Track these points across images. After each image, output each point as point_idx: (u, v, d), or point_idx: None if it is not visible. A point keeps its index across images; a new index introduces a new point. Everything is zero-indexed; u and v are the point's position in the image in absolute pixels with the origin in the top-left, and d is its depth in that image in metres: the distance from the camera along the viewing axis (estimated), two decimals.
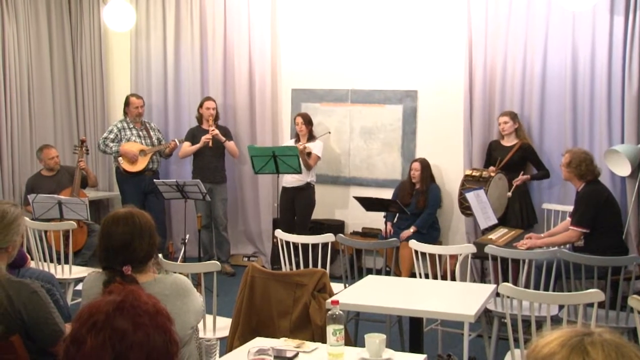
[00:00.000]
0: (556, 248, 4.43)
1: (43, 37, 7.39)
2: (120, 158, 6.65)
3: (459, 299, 3.64)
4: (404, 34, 6.52)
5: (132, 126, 6.77)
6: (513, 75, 6.02)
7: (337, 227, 6.59)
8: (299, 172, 6.12)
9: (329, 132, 6.73)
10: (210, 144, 6.50)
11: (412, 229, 5.99)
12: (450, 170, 6.38)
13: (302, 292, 3.52)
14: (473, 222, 5.93)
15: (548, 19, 5.85)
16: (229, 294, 5.65)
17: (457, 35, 6.26)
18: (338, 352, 2.60)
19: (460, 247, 4.49)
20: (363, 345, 2.67)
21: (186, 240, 5.68)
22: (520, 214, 5.70)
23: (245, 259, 7.06)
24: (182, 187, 5.93)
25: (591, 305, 3.18)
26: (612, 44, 5.59)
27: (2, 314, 2.44)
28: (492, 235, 5.00)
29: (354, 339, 4.14)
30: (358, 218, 6.68)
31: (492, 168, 5.73)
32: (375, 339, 2.62)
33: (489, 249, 4.23)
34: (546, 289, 4.07)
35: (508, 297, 3.31)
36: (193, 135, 6.70)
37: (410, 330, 3.68)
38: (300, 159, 6.08)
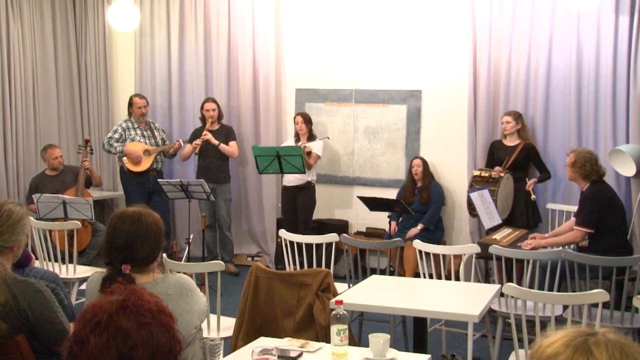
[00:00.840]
0: (560, 248, 4.43)
1: (48, 37, 7.41)
2: (124, 158, 6.67)
3: (463, 299, 3.63)
4: (408, 34, 6.51)
5: (136, 126, 6.79)
6: (517, 74, 6.01)
7: (341, 227, 6.59)
8: (303, 172, 6.13)
9: (328, 137, 6.72)
10: (197, 150, 6.52)
11: (419, 227, 5.99)
12: (454, 170, 6.38)
13: (306, 292, 3.52)
14: (477, 222, 5.92)
15: (553, 18, 5.84)
16: (232, 293, 5.66)
17: (462, 35, 6.26)
18: (342, 352, 2.60)
19: (464, 247, 4.48)
20: (367, 345, 2.67)
21: (190, 240, 5.69)
22: (524, 214, 5.69)
23: (249, 258, 7.07)
24: (186, 187, 5.93)
25: (596, 305, 3.17)
26: (617, 43, 5.57)
27: (7, 313, 2.45)
28: (497, 235, 5.00)
29: (358, 339, 4.14)
30: (362, 218, 6.68)
31: (498, 168, 5.72)
32: (379, 339, 2.61)
33: (493, 249, 4.23)
34: (550, 289, 4.06)
35: (512, 297, 3.30)
36: (195, 137, 6.71)
37: (415, 330, 3.67)
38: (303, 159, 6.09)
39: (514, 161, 5.73)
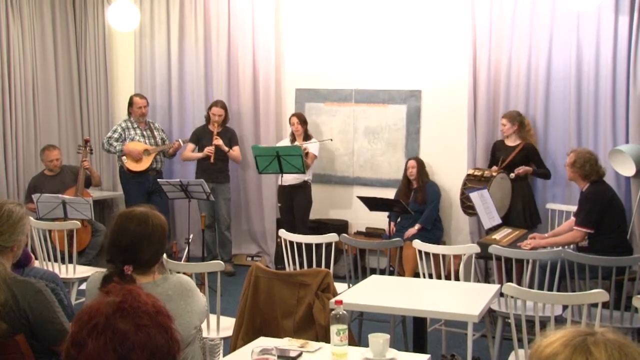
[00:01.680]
0: (560, 248, 4.43)
1: (47, 38, 7.41)
2: (124, 157, 6.67)
3: (463, 299, 3.63)
4: (408, 34, 6.51)
5: (136, 126, 6.79)
6: (517, 75, 6.01)
7: (340, 227, 6.60)
8: (303, 172, 6.14)
9: (331, 139, 6.72)
10: (212, 159, 6.52)
11: (416, 227, 5.99)
12: (454, 170, 6.37)
13: (306, 292, 3.52)
14: (477, 222, 5.92)
15: (553, 18, 5.84)
16: (232, 293, 5.66)
17: (461, 35, 6.26)
18: (342, 352, 2.60)
19: (464, 247, 4.48)
20: (367, 345, 2.67)
21: (190, 240, 5.69)
22: (524, 214, 5.69)
23: (249, 258, 7.07)
24: (186, 187, 5.94)
25: (595, 305, 3.18)
26: (617, 43, 5.58)
27: (7, 313, 2.45)
28: (496, 235, 5.00)
29: (357, 339, 4.14)
30: (362, 218, 6.68)
31: (494, 168, 5.73)
32: (379, 339, 2.62)
33: (493, 249, 4.23)
34: (550, 289, 4.06)
35: (512, 297, 3.30)
36: (197, 138, 6.71)
37: (414, 330, 3.68)
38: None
39: (512, 161, 5.73)
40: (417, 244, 4.38)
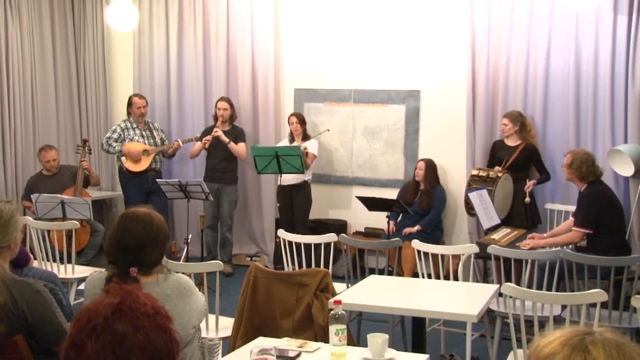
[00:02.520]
0: (559, 248, 4.43)
1: (46, 37, 7.41)
2: (123, 157, 6.66)
3: (462, 299, 3.63)
4: (406, 34, 6.51)
5: (135, 126, 6.79)
6: (516, 75, 6.01)
7: (339, 227, 6.60)
8: (302, 172, 6.14)
9: (328, 130, 6.72)
10: (207, 145, 6.52)
11: (416, 228, 5.98)
12: (453, 170, 6.38)
13: (305, 292, 3.52)
14: (476, 222, 5.92)
15: (551, 18, 5.85)
16: (231, 293, 5.66)
17: (460, 35, 6.26)
18: (341, 352, 2.60)
19: (463, 247, 4.48)
20: (366, 345, 2.67)
21: (189, 240, 5.69)
22: (523, 214, 5.69)
23: (248, 258, 7.07)
24: (185, 187, 5.93)
25: (594, 305, 3.18)
26: (616, 43, 5.58)
27: (6, 314, 2.45)
28: (495, 235, 5.00)
29: (356, 339, 4.13)
30: (361, 218, 6.68)
31: (497, 168, 5.72)
32: (377, 339, 2.62)
33: (492, 249, 4.23)
34: (549, 289, 4.06)
35: (511, 297, 3.31)
36: (206, 135, 6.71)
37: (413, 330, 3.68)
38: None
39: (514, 161, 5.74)
40: (416, 244, 4.38)
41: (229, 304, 4.97)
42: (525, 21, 5.94)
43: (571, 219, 4.85)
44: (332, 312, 2.64)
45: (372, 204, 5.84)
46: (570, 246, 4.72)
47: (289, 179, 6.40)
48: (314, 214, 6.70)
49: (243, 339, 3.44)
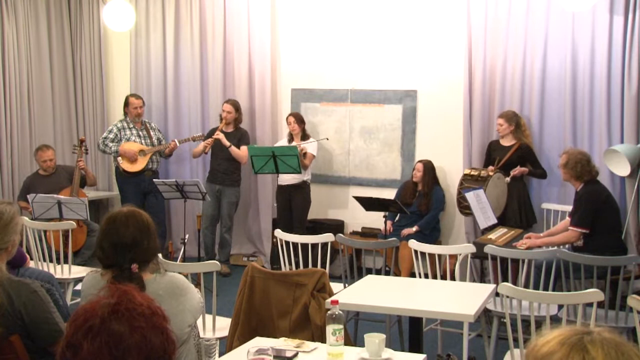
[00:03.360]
0: (555, 248, 4.44)
1: (43, 37, 7.39)
2: (119, 158, 6.65)
3: (459, 299, 3.64)
4: (403, 34, 6.52)
5: (132, 126, 6.78)
6: (513, 75, 6.02)
7: (336, 226, 6.60)
8: (299, 172, 6.13)
9: (327, 139, 6.71)
10: (207, 150, 6.52)
11: (414, 228, 5.98)
12: (450, 170, 6.38)
13: (302, 292, 3.52)
14: (473, 222, 5.93)
15: (548, 19, 5.86)
16: (228, 294, 5.66)
17: (457, 35, 6.27)
18: (338, 352, 2.60)
19: (459, 247, 4.49)
20: (363, 345, 2.67)
21: (186, 240, 5.69)
22: (519, 214, 5.70)
23: (245, 258, 7.06)
24: (182, 187, 5.93)
25: (590, 305, 3.18)
26: (612, 44, 5.59)
27: (3, 315, 2.44)
28: (492, 235, 5.01)
29: (353, 339, 4.14)
30: (358, 218, 6.68)
31: (490, 167, 5.74)
32: (374, 339, 2.62)
33: (489, 249, 4.23)
34: (545, 288, 4.07)
35: (507, 296, 3.31)
36: (210, 136, 6.70)
37: (410, 330, 3.68)
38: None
39: (507, 161, 5.74)
40: (413, 243, 4.39)
41: (226, 304, 4.97)
42: (521, 21, 5.94)
43: (567, 218, 4.86)
44: (329, 312, 2.64)
45: (369, 204, 5.84)
46: (566, 246, 4.73)
47: (287, 179, 6.40)
48: (311, 214, 6.69)
49: (240, 339, 3.44)
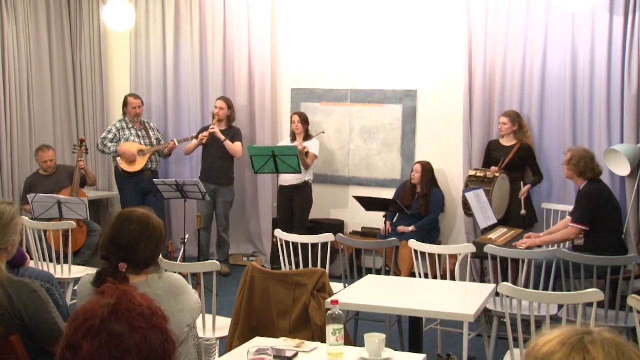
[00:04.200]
0: (555, 247, 4.44)
1: (42, 37, 7.39)
2: (118, 158, 6.65)
3: (459, 299, 3.64)
4: (403, 34, 6.52)
5: (131, 126, 6.77)
6: (513, 75, 6.02)
7: (336, 226, 6.60)
8: (299, 172, 6.13)
9: (323, 132, 6.71)
10: (204, 141, 6.52)
11: (410, 228, 5.97)
12: (450, 170, 6.38)
13: (302, 292, 3.52)
14: (473, 222, 5.93)
15: (548, 19, 5.85)
16: (228, 293, 5.66)
17: (457, 35, 6.26)
18: (338, 351, 2.60)
19: (459, 247, 4.49)
20: (363, 345, 2.67)
21: (186, 240, 5.68)
22: (520, 214, 5.69)
23: (245, 258, 7.06)
24: (182, 187, 5.92)
25: (590, 304, 3.18)
26: (612, 44, 5.59)
27: (3, 315, 2.44)
28: (492, 235, 5.00)
29: (353, 339, 4.14)
30: (358, 218, 6.68)
31: (494, 168, 5.72)
32: (374, 339, 2.62)
33: (489, 249, 4.23)
34: (546, 288, 4.07)
35: (508, 296, 3.31)
36: (201, 133, 6.70)
37: (410, 330, 3.68)
38: (299, 159, 6.08)
39: (510, 161, 5.74)
40: (413, 243, 4.38)
41: (225, 304, 4.97)
42: (521, 21, 5.94)
43: (568, 217, 4.86)
44: (329, 312, 2.64)
45: (369, 204, 5.84)
46: (566, 245, 4.73)
47: (289, 179, 6.40)
48: (311, 214, 6.69)
49: (240, 339, 3.44)
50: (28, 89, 7.19)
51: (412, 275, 5.20)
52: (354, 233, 6.70)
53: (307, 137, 6.55)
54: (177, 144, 6.79)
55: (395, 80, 6.59)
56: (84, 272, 4.64)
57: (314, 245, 4.60)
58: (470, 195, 5.17)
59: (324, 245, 4.50)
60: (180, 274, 2.65)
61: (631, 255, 4.48)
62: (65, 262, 4.96)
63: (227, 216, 6.74)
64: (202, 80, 7.26)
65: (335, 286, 4.05)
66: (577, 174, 4.61)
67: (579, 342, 1.20)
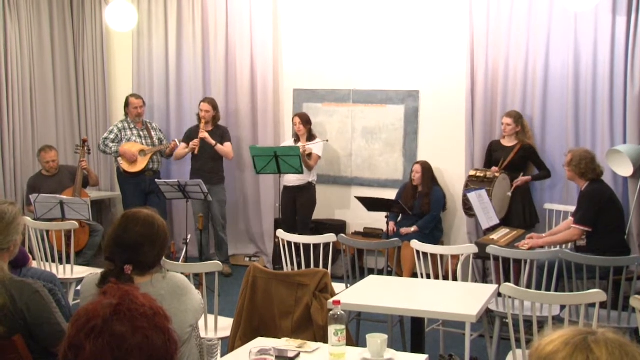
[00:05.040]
0: (558, 248, 4.43)
1: (45, 37, 7.40)
2: (119, 158, 6.65)
3: (461, 299, 3.63)
4: (405, 34, 6.51)
5: (133, 126, 6.77)
6: (515, 75, 6.01)
7: (338, 227, 6.59)
8: (301, 172, 6.13)
9: (327, 140, 6.70)
10: (196, 151, 6.51)
11: (413, 228, 5.97)
12: (452, 171, 6.38)
13: (304, 292, 3.52)
14: (475, 223, 5.92)
15: (550, 19, 5.85)
16: (230, 294, 5.66)
17: (459, 35, 6.26)
18: (340, 352, 2.59)
19: (462, 248, 4.48)
20: (365, 346, 2.66)
21: (188, 241, 5.69)
22: (522, 214, 5.69)
23: (247, 259, 7.06)
24: (184, 187, 5.93)
25: (593, 305, 3.18)
26: (615, 44, 5.58)
27: (5, 315, 2.44)
28: (494, 236, 5.00)
29: (355, 339, 4.13)
30: (360, 218, 6.68)
31: (495, 168, 5.72)
32: (377, 339, 2.61)
33: (491, 249, 4.23)
34: (548, 289, 4.06)
35: (510, 297, 3.31)
36: (188, 137, 6.69)
37: (412, 330, 3.67)
38: (302, 160, 6.08)
39: (511, 162, 5.74)
40: (415, 244, 4.38)
41: (227, 304, 4.97)
42: (524, 21, 5.94)
43: (570, 218, 4.85)
44: (331, 312, 2.63)
45: (371, 204, 5.84)
46: (569, 246, 4.72)
47: (293, 180, 6.39)
48: (313, 214, 6.69)
49: (242, 339, 3.44)
50: (30, 89, 7.20)
51: (414, 275, 5.20)
52: (356, 233, 6.70)
53: (311, 137, 6.54)
54: (178, 144, 6.78)
55: (397, 80, 6.59)
56: (87, 273, 4.66)
57: (316, 246, 4.61)
58: (472, 196, 5.17)
59: (326, 245, 4.50)
60: (182, 274, 2.64)
61: (634, 256, 4.47)
62: (68, 262, 4.96)
63: (223, 215, 6.74)
64: (205, 81, 7.27)
65: (337, 286, 4.05)
66: (579, 175, 4.60)
67: (582, 341, 1.20)
